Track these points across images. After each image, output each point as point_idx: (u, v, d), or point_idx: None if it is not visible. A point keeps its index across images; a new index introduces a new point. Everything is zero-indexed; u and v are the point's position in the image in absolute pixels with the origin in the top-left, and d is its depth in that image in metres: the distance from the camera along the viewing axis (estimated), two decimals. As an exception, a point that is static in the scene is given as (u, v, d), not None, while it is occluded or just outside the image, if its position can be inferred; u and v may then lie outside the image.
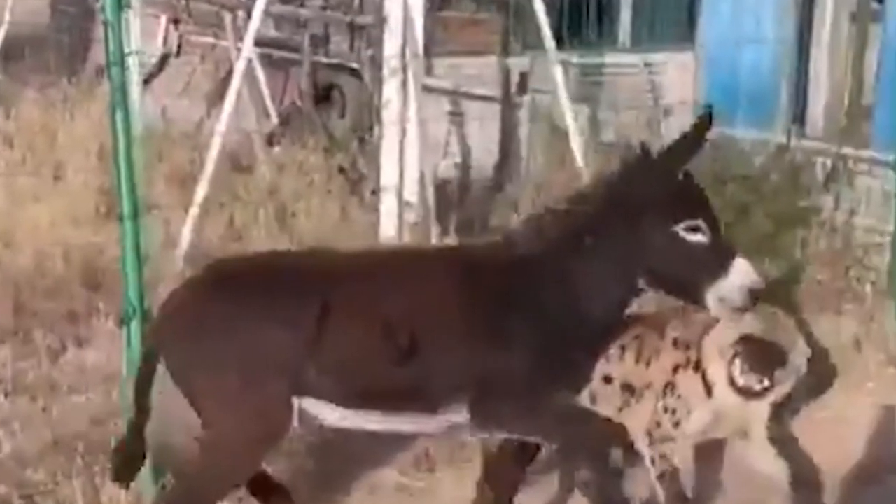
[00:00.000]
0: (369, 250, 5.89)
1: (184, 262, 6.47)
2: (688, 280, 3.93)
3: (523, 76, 9.57)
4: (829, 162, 7.64)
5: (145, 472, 4.29)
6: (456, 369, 3.88)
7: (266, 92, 9.13)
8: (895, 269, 6.73)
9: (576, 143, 7.46)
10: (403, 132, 7.15)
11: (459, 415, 3.93)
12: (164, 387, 3.95)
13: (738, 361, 4.27)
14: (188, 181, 7.46)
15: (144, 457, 4.05)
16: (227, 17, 9.06)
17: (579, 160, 7.40)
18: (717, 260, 3.90)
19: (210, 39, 10.11)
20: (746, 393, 4.29)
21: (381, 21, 7.22)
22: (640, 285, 4.01)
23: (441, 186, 7.71)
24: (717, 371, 4.33)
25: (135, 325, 4.50)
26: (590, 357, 4.14)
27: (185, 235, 6.77)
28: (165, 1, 10.48)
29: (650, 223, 3.91)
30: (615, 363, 4.47)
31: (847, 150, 7.66)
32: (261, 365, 3.82)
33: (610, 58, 10.11)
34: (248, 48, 7.33)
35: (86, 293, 6.27)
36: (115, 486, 4.28)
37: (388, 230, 7.14)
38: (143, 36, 8.98)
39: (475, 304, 3.91)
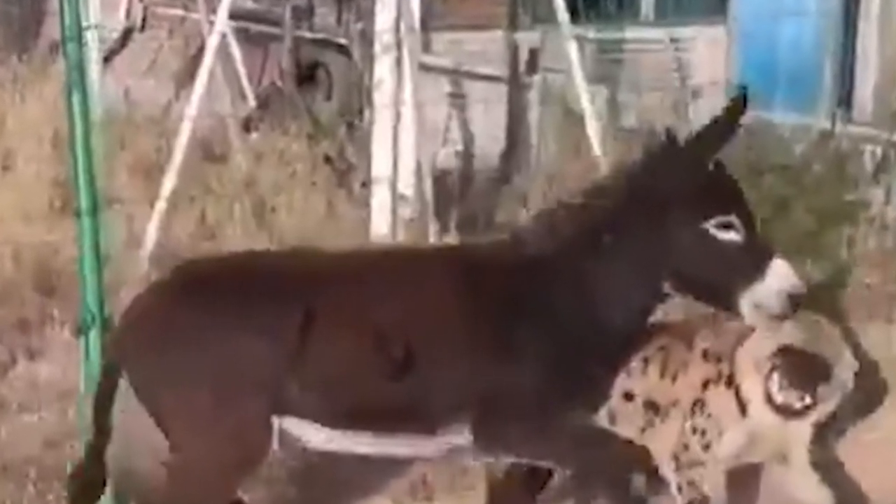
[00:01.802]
0: (359, 250, 5.89)
1: (149, 264, 6.48)
2: (719, 284, 3.95)
3: (533, 53, 9.57)
4: (878, 150, 7.65)
5: (105, 500, 4.29)
6: (457, 385, 3.88)
7: (242, 71, 9.14)
8: (953, 271, 6.75)
9: (592, 129, 7.47)
10: (398, 117, 7.15)
11: (461, 436, 3.94)
12: (126, 405, 3.96)
13: (776, 376, 4.26)
14: (154, 172, 7.48)
15: (105, 483, 4.07)
16: (199, -13, 9.08)
17: (596, 148, 7.41)
18: (752, 261, 3.91)
19: (179, 11, 10.11)
20: (786, 411, 4.29)
21: (373, -9, 7.24)
22: (666, 290, 4.03)
23: (440, 178, 7.72)
24: (752, 387, 4.33)
25: (94, 335, 4.51)
26: (608, 371, 4.15)
27: (151, 233, 6.78)
28: (128, -32, 10.51)
29: (677, 219, 3.92)
30: (637, 378, 4.46)
31: (899, 138, 7.68)
32: (236, 380, 3.82)
33: (631, 32, 10.11)
34: (221, 21, 7.34)
35: (38, 298, 6.28)
36: (72, 516, 4.28)
37: (381, 227, 7.14)
38: (102, 8, 9.01)
39: (478, 311, 3.92)
